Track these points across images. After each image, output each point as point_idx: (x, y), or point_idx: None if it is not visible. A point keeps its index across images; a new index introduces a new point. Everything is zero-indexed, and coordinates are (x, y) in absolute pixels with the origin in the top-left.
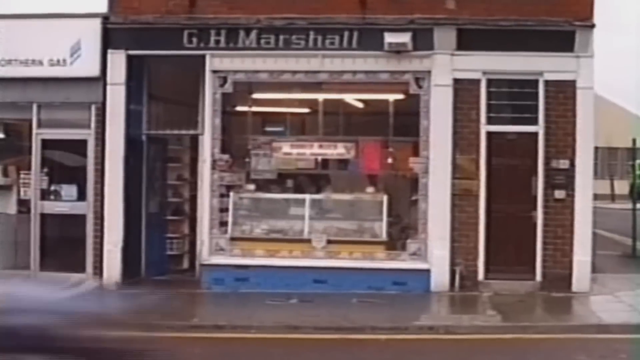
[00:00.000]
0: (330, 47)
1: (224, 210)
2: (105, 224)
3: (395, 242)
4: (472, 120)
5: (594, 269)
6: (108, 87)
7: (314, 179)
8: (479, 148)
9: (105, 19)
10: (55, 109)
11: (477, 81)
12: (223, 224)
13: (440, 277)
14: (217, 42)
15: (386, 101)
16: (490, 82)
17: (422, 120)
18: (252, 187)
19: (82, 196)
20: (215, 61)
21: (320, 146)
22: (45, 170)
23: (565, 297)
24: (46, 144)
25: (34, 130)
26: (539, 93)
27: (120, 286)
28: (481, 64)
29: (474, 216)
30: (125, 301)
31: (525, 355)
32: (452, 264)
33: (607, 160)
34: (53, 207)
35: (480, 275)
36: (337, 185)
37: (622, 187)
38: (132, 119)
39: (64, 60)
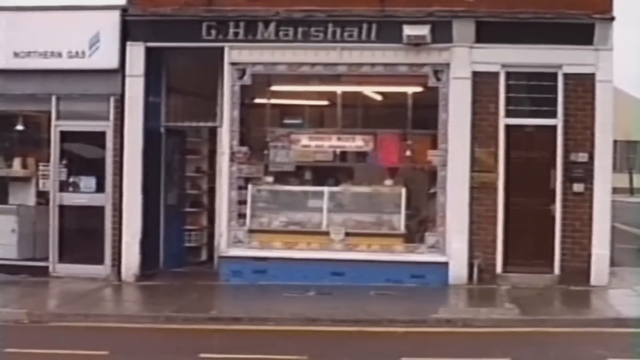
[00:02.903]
0: (349, 40)
1: (242, 202)
2: (124, 215)
3: (414, 234)
4: (491, 113)
5: (613, 263)
6: (127, 79)
7: (332, 171)
8: (498, 141)
9: (124, 11)
10: (74, 101)
11: (496, 74)
12: (241, 216)
13: (458, 270)
14: (236, 34)
15: (405, 94)
16: (509, 75)
17: (441, 113)
18: (270, 179)
19: (100, 188)
20: (233, 53)
21: (339, 138)
22: (64, 162)
23: (583, 290)
24: (65, 135)
25: (53, 122)
26: (558, 86)
27: (138, 278)
28: (500, 57)
29: (492, 209)
30: None
31: (543, 348)
32: (471, 257)
33: (626, 154)
34: (72, 198)
35: (499, 268)
36: (356, 177)
37: None
38: (150, 111)
39: (83, 52)
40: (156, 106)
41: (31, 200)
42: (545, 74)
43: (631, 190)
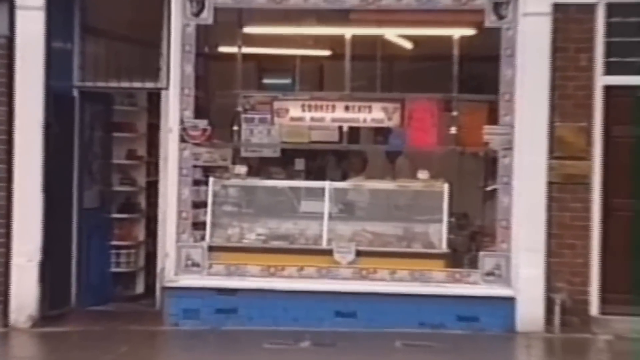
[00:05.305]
0: None
1: (199, 205)
2: (14, 225)
3: (462, 255)
4: (582, 68)
5: None
6: (17, 13)
7: (337, 158)
8: (592, 111)
9: None
10: None
11: (591, 7)
12: (198, 225)
13: (530, 310)
14: None
15: (448, 39)
16: (611, 9)
17: (504, 68)
18: (242, 169)
19: None
20: None
21: (347, 108)
22: None
23: None
24: None
25: None
26: None
27: (37, 322)
28: None
29: (584, 216)
30: None
31: None
32: (550, 289)
33: None
34: None
35: (594, 307)
36: (373, 167)
37: None
38: (56, 63)
39: None
40: (65, 56)
41: None
42: None
43: None
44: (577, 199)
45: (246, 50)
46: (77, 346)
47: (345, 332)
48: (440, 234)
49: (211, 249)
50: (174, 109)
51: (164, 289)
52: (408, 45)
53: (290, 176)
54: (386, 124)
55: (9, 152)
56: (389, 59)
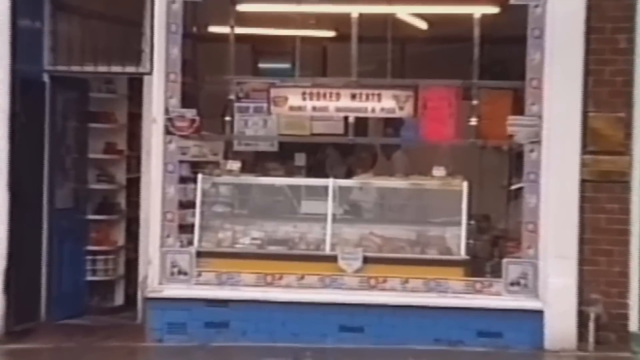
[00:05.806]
0: None
1: (186, 205)
2: None
3: (482, 262)
4: (620, 50)
5: None
6: None
7: (341, 152)
8: (632, 100)
9: None
10: None
11: None
12: (185, 228)
13: (560, 325)
14: None
15: (468, 18)
16: None
17: (531, 51)
18: (235, 165)
19: None
20: None
21: (353, 96)
22: None
23: None
24: None
25: None
26: None
27: (1, 338)
28: None
29: (622, 219)
30: None
31: None
32: (583, 301)
33: None
34: None
35: (633, 322)
36: (382, 163)
37: None
38: (23, 44)
39: None
40: (34, 36)
41: None
42: None
43: None
44: (613, 199)
45: (240, 30)
46: None
47: (351, 349)
48: (458, 239)
49: (200, 254)
50: (158, 96)
51: (147, 300)
52: (422, 25)
53: (290, 173)
54: (397, 114)
55: None
56: (401, 40)
